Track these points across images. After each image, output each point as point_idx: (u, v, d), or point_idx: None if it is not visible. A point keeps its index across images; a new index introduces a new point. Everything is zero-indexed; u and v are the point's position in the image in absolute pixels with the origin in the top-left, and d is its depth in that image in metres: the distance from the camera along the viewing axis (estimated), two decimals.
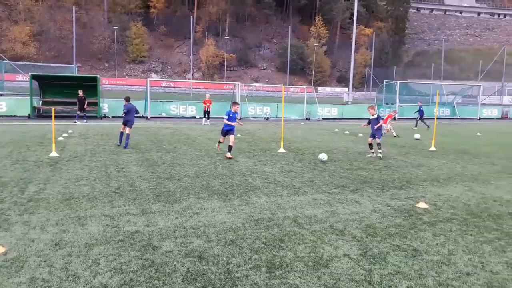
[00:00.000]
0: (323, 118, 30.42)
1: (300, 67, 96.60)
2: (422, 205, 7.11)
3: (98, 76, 25.52)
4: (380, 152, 12.29)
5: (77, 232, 5.37)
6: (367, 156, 12.60)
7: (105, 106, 26.12)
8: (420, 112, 23.71)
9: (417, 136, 18.04)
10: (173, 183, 8.33)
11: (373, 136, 12.30)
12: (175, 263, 4.48)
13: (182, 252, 4.80)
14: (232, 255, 4.78)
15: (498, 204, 7.42)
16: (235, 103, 12.35)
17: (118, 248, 4.85)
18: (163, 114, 27.30)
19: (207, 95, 24.26)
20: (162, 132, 17.95)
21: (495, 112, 38.19)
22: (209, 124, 22.83)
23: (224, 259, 4.65)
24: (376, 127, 12.21)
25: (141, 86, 59.20)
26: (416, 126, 23.58)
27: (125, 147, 12.86)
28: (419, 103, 24.31)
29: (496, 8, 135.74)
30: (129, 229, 5.55)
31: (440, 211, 6.90)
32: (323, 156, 11.48)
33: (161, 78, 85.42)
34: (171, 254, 4.73)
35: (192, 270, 4.31)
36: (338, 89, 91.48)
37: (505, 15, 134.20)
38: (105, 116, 25.33)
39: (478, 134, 21.07)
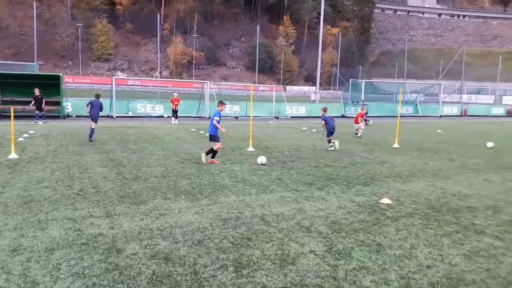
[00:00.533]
0: (291, 117, 30.70)
1: (269, 66, 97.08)
2: (385, 200, 7.31)
3: (61, 74, 24.67)
4: (332, 147, 13.74)
5: (37, 237, 5.17)
6: (330, 149, 13.74)
7: (69, 105, 25.26)
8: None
9: (489, 144, 15.27)
10: (138, 184, 8.18)
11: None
12: (140, 265, 4.40)
13: (147, 254, 4.72)
14: (199, 255, 4.75)
15: (457, 199, 7.74)
16: (221, 102, 11.26)
17: (80, 252, 4.71)
18: (129, 113, 26.72)
19: (175, 94, 23.97)
20: (128, 132, 17.57)
21: (455, 110, 39.76)
22: (177, 123, 22.56)
23: (191, 260, 4.61)
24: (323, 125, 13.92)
25: (107, 84, 57.63)
26: (366, 124, 24.65)
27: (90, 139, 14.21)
28: (362, 102, 25.50)
29: (455, 10, 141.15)
30: (93, 232, 5.40)
31: (403, 206, 7.12)
32: (262, 159, 10.68)
33: (128, 76, 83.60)
34: (136, 256, 4.64)
35: (157, 272, 4.25)
36: (306, 88, 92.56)
37: (464, 16, 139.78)
38: (68, 116, 24.50)
39: (439, 131, 21.88)
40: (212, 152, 10.77)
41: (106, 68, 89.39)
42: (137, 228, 5.60)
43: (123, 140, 14.71)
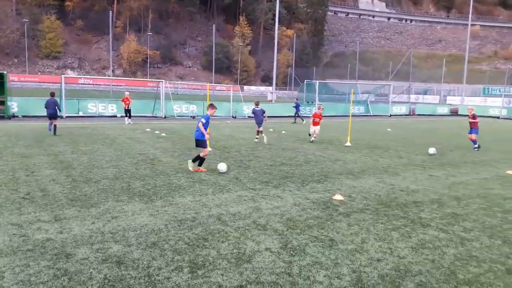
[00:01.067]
0: (249, 116, 30.82)
1: (226, 66, 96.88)
2: (338, 197, 7.54)
3: (5, 72, 23.20)
4: (257, 139, 15.67)
5: None
6: (254, 140, 15.82)
7: (14, 105, 23.85)
8: (297, 108, 26.23)
9: (431, 150, 13.76)
10: (89, 186, 7.89)
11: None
12: (91, 270, 4.25)
13: (99, 258, 4.57)
14: (153, 258, 4.66)
15: (405, 194, 8.12)
16: (212, 105, 10.04)
17: (26, 259, 4.48)
18: (80, 113, 25.66)
19: (126, 93, 23.25)
20: (78, 132, 16.88)
21: (403, 110, 41.63)
22: (131, 123, 21.95)
23: (145, 262, 4.52)
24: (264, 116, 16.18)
25: (56, 83, 55.01)
26: (295, 122, 25.98)
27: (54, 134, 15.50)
28: (296, 99, 26.53)
29: (403, 14, 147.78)
30: (40, 237, 5.15)
31: (354, 202, 7.37)
32: (222, 167, 9.73)
33: (78, 74, 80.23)
34: (87, 261, 4.48)
35: (109, 277, 4.12)
36: (263, 88, 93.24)
37: (411, 21, 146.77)
38: (14, 116, 23.14)
39: (389, 129, 22.84)
40: (200, 159, 9.75)
41: (55, 66, 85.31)
42: (88, 232, 5.41)
43: (73, 141, 14.12)
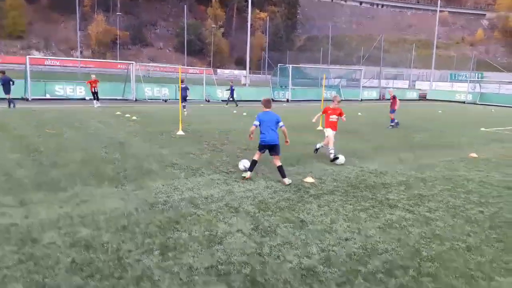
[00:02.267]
0: (222, 100, 30.61)
1: (198, 48, 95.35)
2: (309, 179, 7.65)
3: None
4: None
5: None
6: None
7: None
8: (232, 91, 26.12)
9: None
10: (57, 170, 7.66)
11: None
12: (58, 254, 4.17)
13: (66, 242, 4.48)
14: (123, 241, 4.61)
15: (374, 176, 8.33)
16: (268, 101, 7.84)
17: None
18: (47, 95, 24.74)
19: (93, 76, 22.62)
20: (45, 116, 16.30)
21: (374, 94, 42.38)
22: (100, 105, 21.36)
23: (114, 246, 4.47)
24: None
25: (21, 64, 52.72)
26: (227, 105, 26.01)
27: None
28: (231, 83, 26.64)
29: None
30: (4, 222, 4.99)
31: (325, 184, 7.51)
32: (244, 163, 8.20)
33: (45, 55, 77.07)
34: (54, 245, 4.39)
35: (77, 260, 4.06)
36: (236, 72, 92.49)
37: (382, 6, 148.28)
38: None
39: (359, 114, 23.23)
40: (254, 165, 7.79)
41: (19, 46, 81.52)
42: (55, 216, 5.28)
43: (39, 125, 13.63)
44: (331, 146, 9.65)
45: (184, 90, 20.03)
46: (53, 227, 4.92)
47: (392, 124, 16.92)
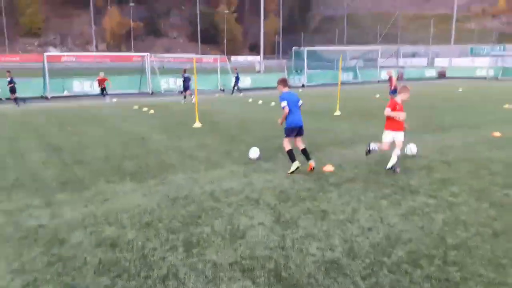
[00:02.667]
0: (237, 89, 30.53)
1: (212, 35, 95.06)
2: (328, 167, 7.58)
3: None
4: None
5: None
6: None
7: None
8: (237, 79, 25.67)
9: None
10: (80, 168, 7.83)
11: None
12: (85, 255, 4.28)
13: (93, 242, 4.59)
14: (148, 238, 4.70)
15: None
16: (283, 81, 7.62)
17: (19, 247, 4.48)
18: (65, 92, 25.16)
19: (101, 74, 23.21)
20: (65, 113, 16.62)
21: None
22: (109, 100, 21.63)
23: (139, 244, 4.55)
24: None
25: (39, 62, 53.69)
26: (237, 93, 25.55)
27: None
28: (235, 70, 25.97)
29: None
30: (32, 224, 5.14)
31: (345, 172, 7.44)
32: (255, 152, 8.45)
33: (61, 51, 78.23)
34: (81, 245, 4.50)
35: (104, 260, 4.15)
36: (250, 58, 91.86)
37: None
38: None
39: (377, 95, 22.83)
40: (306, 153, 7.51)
41: (36, 43, 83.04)
42: (80, 215, 5.40)
43: (60, 123, 13.92)
44: (397, 153, 7.38)
45: (187, 80, 20.85)
46: (79, 226, 5.04)
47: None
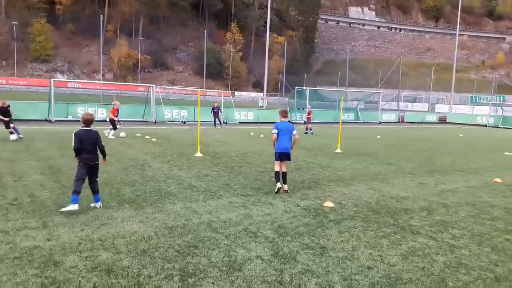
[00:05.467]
0: (240, 122, 30.85)
1: (217, 71, 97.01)
2: (328, 204, 7.55)
3: None
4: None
5: None
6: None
7: None
8: (214, 112, 25.62)
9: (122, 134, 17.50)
10: None
11: None
12: (80, 278, 4.18)
13: (88, 266, 4.50)
14: (143, 266, 4.61)
15: (395, 201, 8.17)
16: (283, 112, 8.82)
17: (13, 267, 4.39)
18: (69, 117, 25.42)
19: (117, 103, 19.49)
20: (68, 137, 16.64)
21: (393, 117, 42.07)
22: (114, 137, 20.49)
23: (135, 270, 4.46)
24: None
25: (45, 86, 54.54)
26: (215, 126, 25.37)
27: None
28: (215, 104, 26.12)
29: (393, 23, 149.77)
30: (27, 244, 5.06)
31: (345, 209, 7.39)
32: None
33: (68, 78, 79.60)
34: (76, 269, 4.41)
35: (98, 285, 4.06)
36: (254, 94, 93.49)
37: (400, 30, 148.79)
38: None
39: (378, 137, 23.02)
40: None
41: (44, 69, 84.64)
42: (76, 239, 5.33)
43: (62, 146, 13.95)
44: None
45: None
46: (75, 250, 4.96)
47: (311, 132, 22.64)
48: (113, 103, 22.04)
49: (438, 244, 5.79)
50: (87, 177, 6.78)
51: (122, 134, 17.88)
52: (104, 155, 7.27)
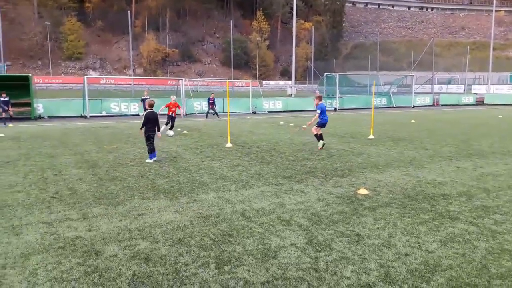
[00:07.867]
0: (268, 112, 30.78)
1: (244, 61, 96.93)
2: (363, 191, 7.43)
3: (29, 75, 23.90)
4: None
5: (11, 242, 5.02)
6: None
7: (40, 106, 24.55)
8: (209, 103, 24.18)
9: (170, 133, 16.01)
10: (115, 184, 8.03)
11: None
12: (120, 267, 4.33)
13: (127, 255, 4.65)
14: (180, 254, 4.71)
15: (432, 187, 7.94)
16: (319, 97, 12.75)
17: (58, 256, 4.60)
18: (103, 112, 26.17)
19: (173, 98, 17.18)
20: (102, 132, 17.21)
21: (427, 100, 40.74)
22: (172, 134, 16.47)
23: (172, 259, 4.57)
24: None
25: (79, 84, 56.33)
26: (206, 118, 24.32)
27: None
28: (212, 95, 24.50)
29: (424, 2, 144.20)
30: (70, 235, 5.28)
31: (380, 196, 7.25)
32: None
33: (100, 75, 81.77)
34: (116, 258, 4.57)
35: (138, 273, 4.19)
36: (282, 83, 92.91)
37: (432, 9, 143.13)
38: (40, 117, 23.81)
39: (413, 121, 22.38)
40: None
41: (77, 67, 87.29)
42: (115, 229, 5.51)
43: (97, 141, 14.41)
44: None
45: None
46: (114, 239, 5.13)
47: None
48: (144, 95, 22.62)
49: (479, 229, 5.59)
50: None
51: (171, 133, 16.31)
52: (158, 129, 10.69)
